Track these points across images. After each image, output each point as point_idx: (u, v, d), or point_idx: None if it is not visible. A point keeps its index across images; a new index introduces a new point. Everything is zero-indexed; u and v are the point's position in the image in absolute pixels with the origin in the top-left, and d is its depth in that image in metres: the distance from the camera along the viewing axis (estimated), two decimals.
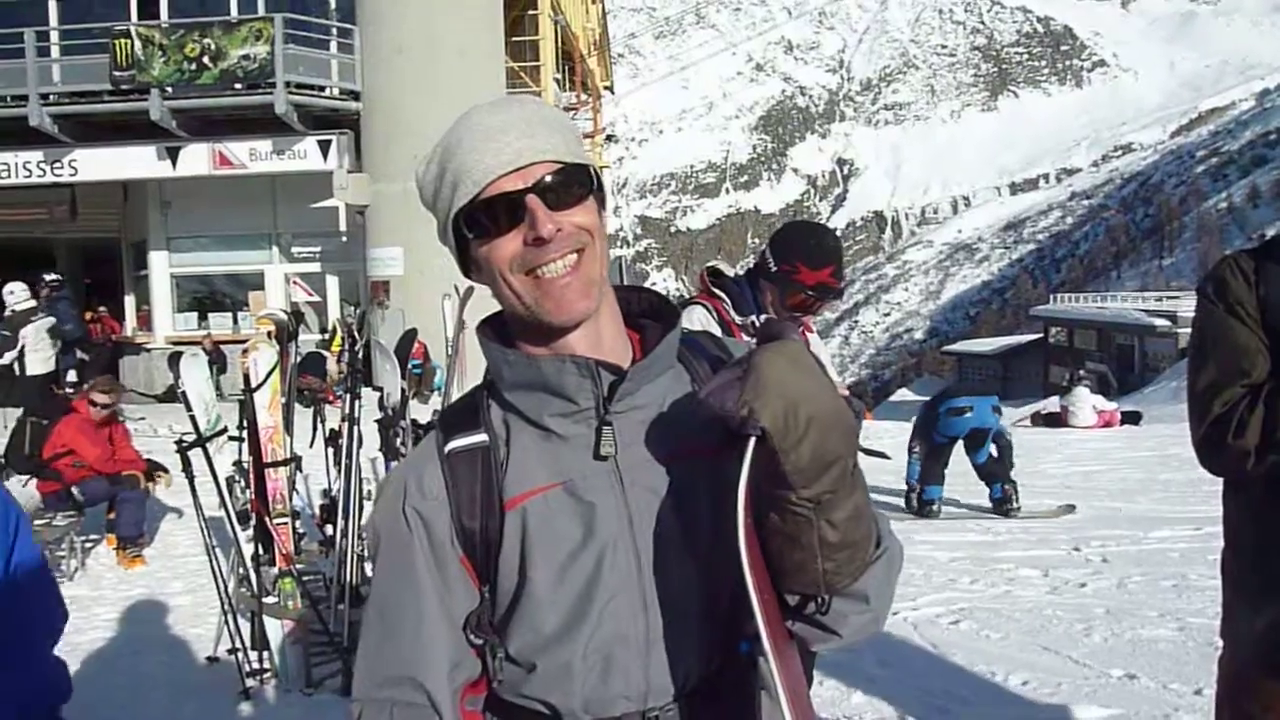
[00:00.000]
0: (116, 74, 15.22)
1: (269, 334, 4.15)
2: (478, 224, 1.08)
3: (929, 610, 4.93)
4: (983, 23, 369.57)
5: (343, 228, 17.06)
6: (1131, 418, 16.33)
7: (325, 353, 14.07)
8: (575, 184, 1.08)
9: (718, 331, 2.70)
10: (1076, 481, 8.76)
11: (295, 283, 17.33)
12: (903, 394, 50.83)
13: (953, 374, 59.61)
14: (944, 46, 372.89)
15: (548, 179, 1.06)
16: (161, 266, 17.95)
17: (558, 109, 1.15)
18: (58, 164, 16.06)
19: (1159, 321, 38.10)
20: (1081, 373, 16.60)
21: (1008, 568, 5.72)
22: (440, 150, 1.12)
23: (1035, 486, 8.63)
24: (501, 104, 1.12)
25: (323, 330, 16.00)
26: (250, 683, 4.05)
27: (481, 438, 1.12)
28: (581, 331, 1.10)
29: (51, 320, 12.27)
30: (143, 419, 12.13)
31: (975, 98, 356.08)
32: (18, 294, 12.18)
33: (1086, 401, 15.08)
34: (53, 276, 13.36)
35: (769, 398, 0.93)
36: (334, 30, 15.94)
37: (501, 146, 1.06)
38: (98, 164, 16.21)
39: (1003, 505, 7.51)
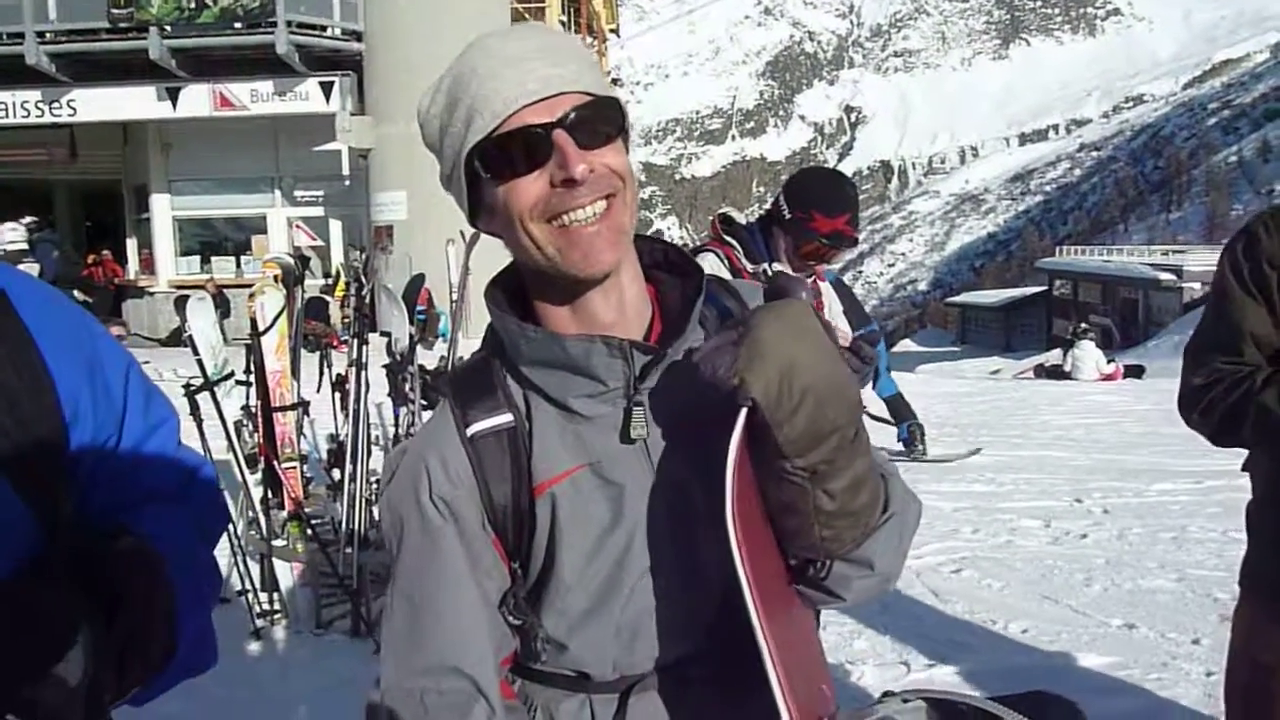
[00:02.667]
0: (114, 11, 15.02)
1: (275, 278, 4.13)
2: (494, 162, 0.96)
3: (932, 559, 4.97)
4: None
5: (345, 171, 16.94)
6: (1135, 371, 16.35)
7: (329, 298, 14.06)
8: (606, 120, 0.98)
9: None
10: (1079, 434, 8.78)
11: (298, 226, 17.19)
12: (906, 345, 50.83)
13: (956, 326, 59.56)
14: None
15: (577, 113, 0.95)
16: (163, 209, 17.86)
17: (577, 40, 1.04)
18: (56, 104, 15.90)
19: (1164, 275, 37.92)
20: (1085, 326, 16.56)
21: (1010, 518, 5.75)
22: (449, 79, 1.00)
23: (1038, 438, 8.67)
24: (520, 30, 1.01)
25: (326, 275, 15.96)
26: (260, 623, 4.11)
27: (506, 418, 1.04)
28: (604, 288, 1.02)
29: (38, 266, 12.16)
30: (147, 363, 12.15)
31: (987, 45, 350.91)
32: (6, 235, 12.05)
33: (1091, 355, 15.08)
34: (29, 219, 13.13)
35: (762, 366, 0.88)
36: None
37: (525, 74, 0.95)
38: (97, 104, 16.05)
39: (910, 447, 7.61)
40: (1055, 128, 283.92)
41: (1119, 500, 6.08)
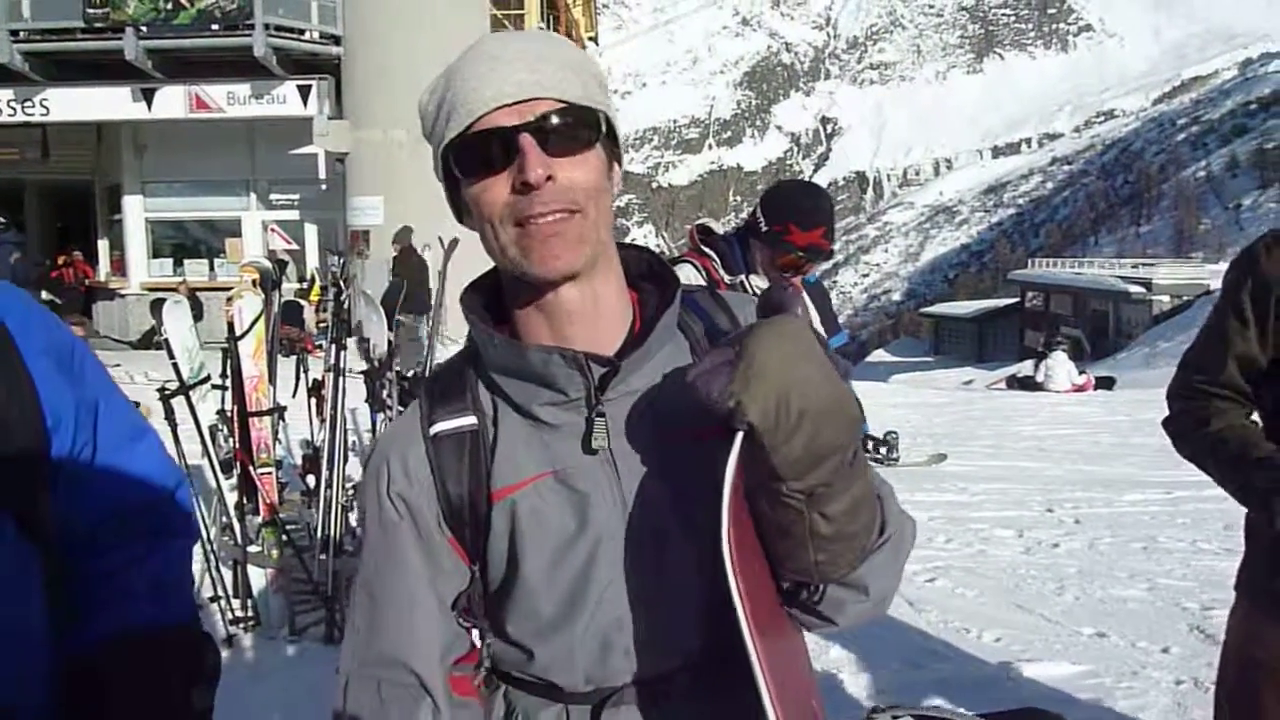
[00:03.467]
0: (90, 11, 14.85)
1: (253, 282, 4.11)
2: (465, 160, 0.98)
3: (906, 568, 4.97)
4: None
5: (322, 175, 16.84)
6: (1105, 383, 16.54)
7: (303, 302, 13.97)
8: (580, 127, 0.97)
9: None
10: (1051, 445, 8.88)
11: (273, 230, 17.13)
12: (879, 354, 51.18)
13: (929, 336, 60.02)
14: (931, 6, 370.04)
15: (548, 119, 0.95)
16: (136, 211, 17.66)
17: (580, 48, 1.04)
18: (29, 103, 15.70)
19: (1134, 288, 38.44)
20: (1058, 338, 16.75)
21: (982, 528, 5.81)
22: (444, 77, 1.02)
23: (1010, 448, 8.75)
24: (517, 35, 1.02)
25: (301, 279, 15.86)
26: (233, 630, 4.08)
27: (470, 420, 1.05)
28: (578, 290, 1.01)
29: None
30: (118, 365, 12.00)
31: (961, 59, 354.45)
32: None
33: (1063, 366, 15.25)
34: None
35: (759, 388, 0.86)
36: None
37: (503, 77, 0.96)
38: (70, 104, 15.86)
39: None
40: (1028, 141, 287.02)
41: (1090, 510, 6.16)
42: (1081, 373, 15.90)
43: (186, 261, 17.89)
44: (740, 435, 0.89)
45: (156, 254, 18.02)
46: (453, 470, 1.04)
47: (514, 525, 1.04)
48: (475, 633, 1.12)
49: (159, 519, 1.13)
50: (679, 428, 1.01)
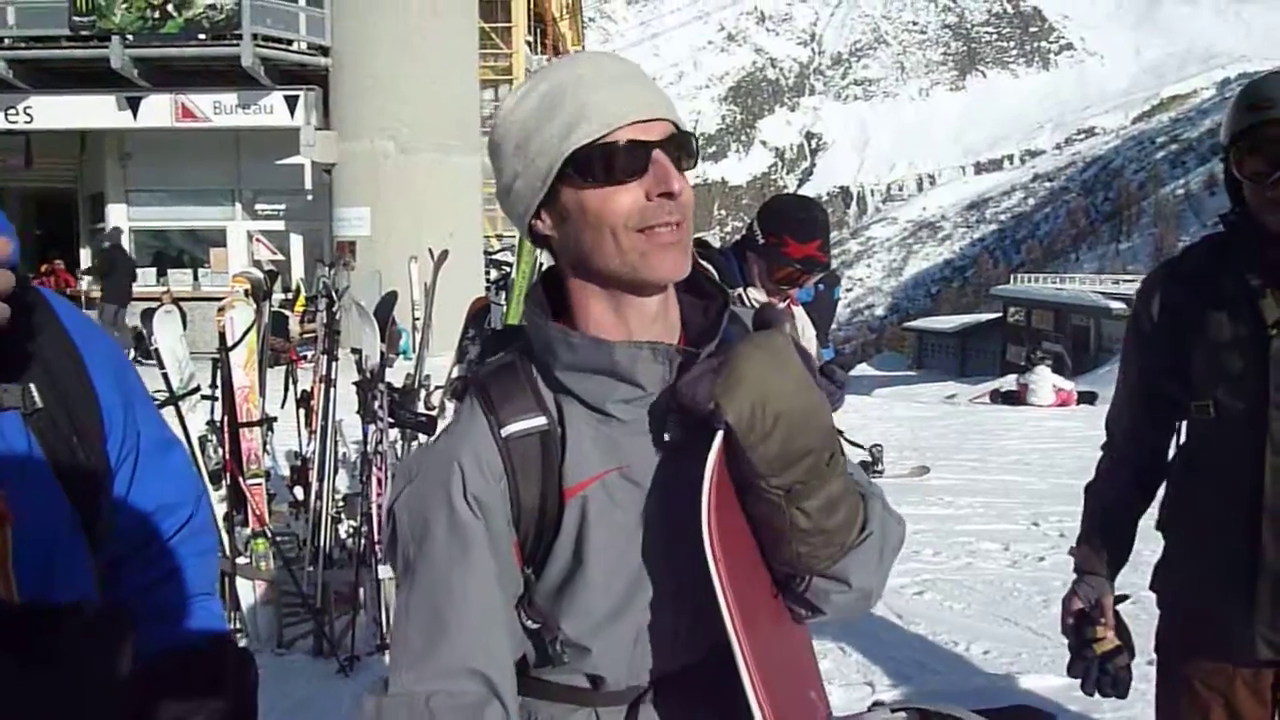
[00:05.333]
0: (76, 19, 14.79)
1: (245, 292, 4.10)
2: (595, 167, 1.00)
3: (894, 581, 5.03)
4: (954, 1, 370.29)
5: (308, 185, 16.80)
6: (1087, 397, 16.65)
7: (288, 312, 13.89)
8: (689, 148, 1.05)
9: None
10: (1035, 459, 8.93)
11: (258, 240, 17.04)
12: (863, 369, 51.33)
13: (912, 351, 60.30)
14: (915, 23, 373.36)
15: (671, 138, 1.02)
16: (120, 220, 17.54)
17: None
18: (12, 110, 15.60)
19: (1114, 304, 38.70)
20: (1040, 352, 16.85)
21: (969, 541, 5.84)
22: (546, 85, 1.04)
23: (995, 462, 8.80)
24: (615, 55, 1.09)
25: (286, 290, 15.79)
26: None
27: (541, 421, 1.06)
28: (660, 296, 1.07)
29: None
30: None
31: (944, 76, 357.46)
32: None
33: (1046, 380, 15.34)
34: None
35: (738, 394, 0.96)
36: None
37: (632, 94, 1.01)
38: (55, 112, 15.77)
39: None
40: (1010, 158, 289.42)
41: (1075, 524, 6.11)
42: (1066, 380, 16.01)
43: (170, 271, 17.78)
44: (720, 435, 0.98)
45: (140, 263, 17.90)
46: (527, 471, 1.05)
47: (583, 521, 1.06)
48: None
49: (190, 530, 1.16)
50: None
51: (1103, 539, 2.00)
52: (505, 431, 1.06)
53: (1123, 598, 2.00)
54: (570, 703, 1.11)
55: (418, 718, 0.99)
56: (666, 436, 1.07)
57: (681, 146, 1.03)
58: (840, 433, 1.11)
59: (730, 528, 1.02)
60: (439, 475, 1.06)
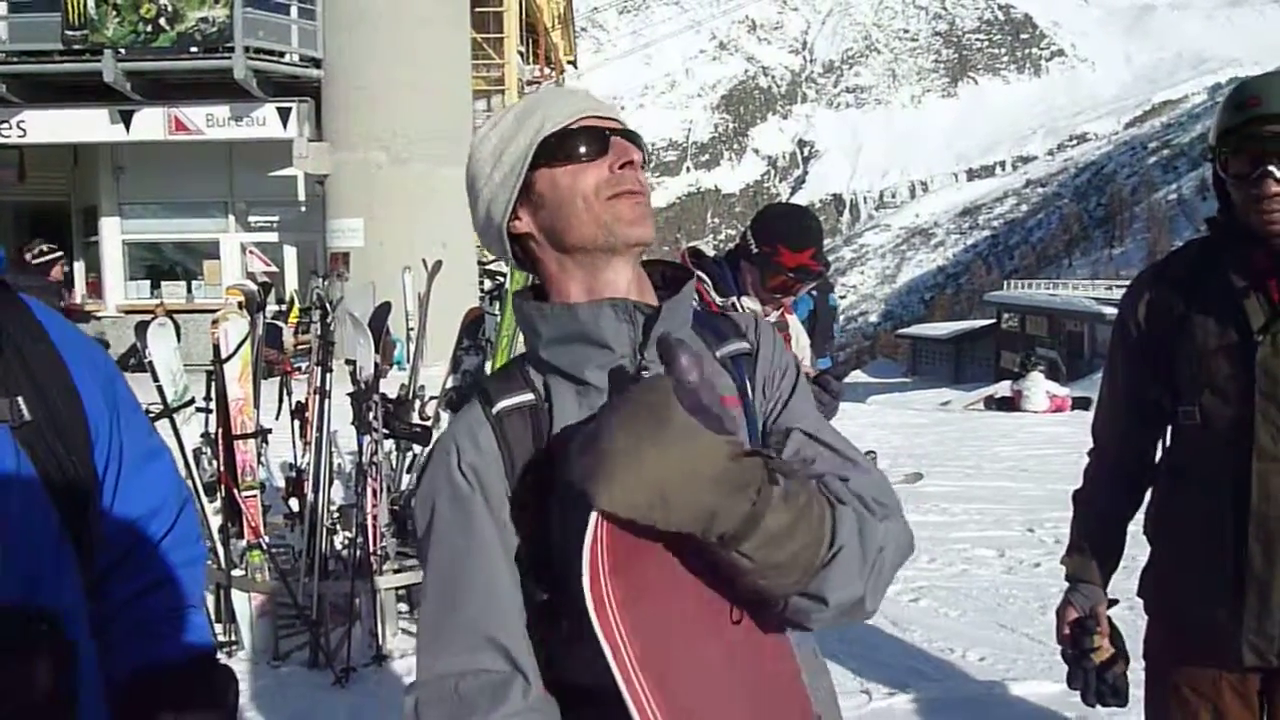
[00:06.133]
0: (68, 33, 14.81)
1: (239, 304, 4.10)
2: (564, 148, 1.14)
3: (890, 588, 5.03)
4: (945, 8, 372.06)
5: (301, 197, 16.80)
6: (1082, 403, 16.68)
7: (281, 324, 13.89)
8: (638, 145, 1.18)
9: None
10: (1031, 465, 8.95)
11: (252, 252, 17.05)
12: (857, 375, 51.35)
13: (906, 358, 60.39)
14: (906, 31, 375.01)
15: (624, 130, 1.17)
16: (113, 233, 17.54)
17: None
18: (5, 124, 15.60)
19: (1108, 310, 38.75)
20: (1034, 358, 16.90)
21: (964, 547, 5.84)
22: (517, 109, 1.20)
23: (990, 468, 8.82)
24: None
25: (279, 301, 15.78)
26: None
27: (528, 397, 1.14)
28: (631, 271, 1.16)
29: None
30: None
31: (936, 83, 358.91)
32: None
33: (1040, 386, 15.38)
34: None
35: (610, 481, 0.88)
36: None
37: (584, 98, 1.19)
38: (48, 126, 15.78)
39: None
40: (1002, 164, 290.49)
41: None
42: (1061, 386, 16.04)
43: (164, 283, 17.77)
44: (594, 519, 0.89)
45: (133, 276, 17.89)
46: (519, 441, 1.11)
47: None
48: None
49: (174, 540, 1.15)
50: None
51: (1094, 547, 1.99)
52: (496, 409, 1.13)
53: (1113, 602, 2.00)
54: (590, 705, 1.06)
55: (450, 705, 1.03)
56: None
57: (633, 139, 1.17)
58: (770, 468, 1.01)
59: (639, 583, 0.95)
60: (440, 458, 1.14)
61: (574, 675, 1.05)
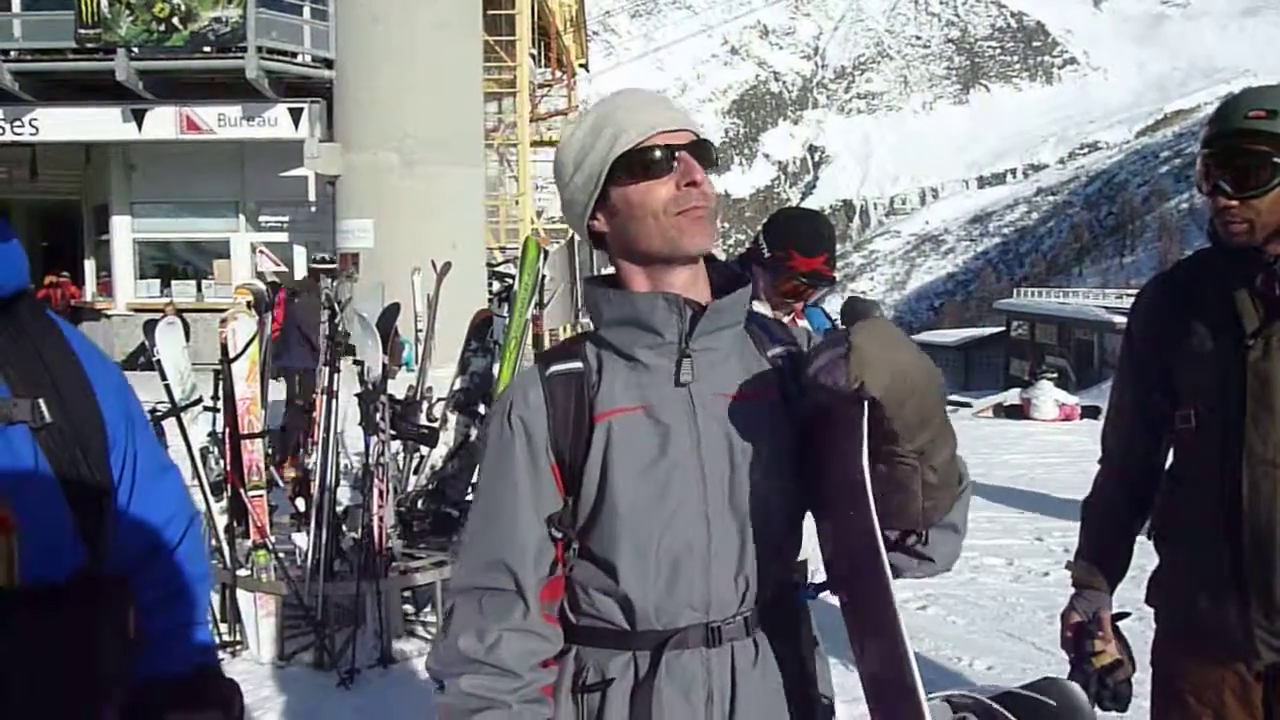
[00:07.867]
0: (81, 32, 14.88)
1: (247, 304, 4.10)
2: (636, 167, 1.25)
3: (898, 596, 5.00)
4: (957, 15, 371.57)
5: (312, 198, 16.83)
6: (1091, 412, 16.61)
7: None
8: (708, 154, 1.29)
9: None
10: (1039, 474, 8.92)
11: (262, 252, 17.09)
12: None
13: None
14: (918, 38, 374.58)
15: (694, 143, 1.28)
16: (124, 231, 17.61)
17: None
18: (18, 122, 15.67)
19: (1118, 318, 38.60)
20: (1044, 367, 16.84)
21: (972, 556, 5.82)
22: (595, 115, 1.31)
23: (999, 476, 8.78)
24: (643, 89, 1.35)
25: None
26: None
27: (577, 365, 1.29)
28: (690, 273, 1.29)
29: None
30: None
31: (947, 90, 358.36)
32: None
33: (1049, 395, 15.32)
34: None
35: (876, 370, 1.07)
36: None
37: (660, 111, 1.28)
38: (60, 124, 15.84)
39: None
40: (1013, 172, 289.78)
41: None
42: (1070, 395, 15.96)
43: (174, 283, 17.83)
44: (867, 409, 1.09)
45: (143, 275, 17.95)
46: (563, 400, 1.27)
47: (607, 445, 1.25)
48: (560, 565, 1.29)
49: (182, 555, 1.18)
50: (748, 387, 1.29)
51: (1100, 554, 2.01)
52: (548, 372, 1.29)
53: (1123, 615, 1.99)
54: (612, 647, 1.27)
55: (475, 613, 1.25)
56: (683, 378, 1.26)
57: (701, 149, 1.28)
58: None
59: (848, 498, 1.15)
60: (499, 407, 1.32)
61: (590, 618, 1.28)
